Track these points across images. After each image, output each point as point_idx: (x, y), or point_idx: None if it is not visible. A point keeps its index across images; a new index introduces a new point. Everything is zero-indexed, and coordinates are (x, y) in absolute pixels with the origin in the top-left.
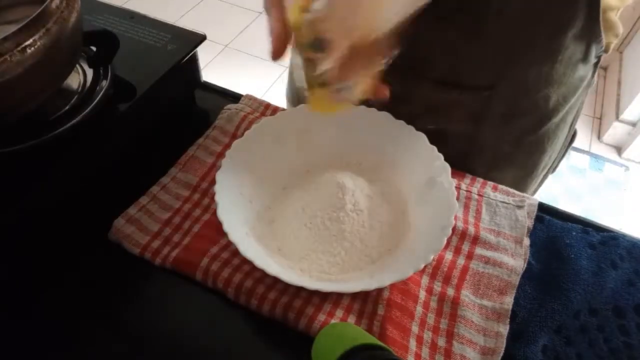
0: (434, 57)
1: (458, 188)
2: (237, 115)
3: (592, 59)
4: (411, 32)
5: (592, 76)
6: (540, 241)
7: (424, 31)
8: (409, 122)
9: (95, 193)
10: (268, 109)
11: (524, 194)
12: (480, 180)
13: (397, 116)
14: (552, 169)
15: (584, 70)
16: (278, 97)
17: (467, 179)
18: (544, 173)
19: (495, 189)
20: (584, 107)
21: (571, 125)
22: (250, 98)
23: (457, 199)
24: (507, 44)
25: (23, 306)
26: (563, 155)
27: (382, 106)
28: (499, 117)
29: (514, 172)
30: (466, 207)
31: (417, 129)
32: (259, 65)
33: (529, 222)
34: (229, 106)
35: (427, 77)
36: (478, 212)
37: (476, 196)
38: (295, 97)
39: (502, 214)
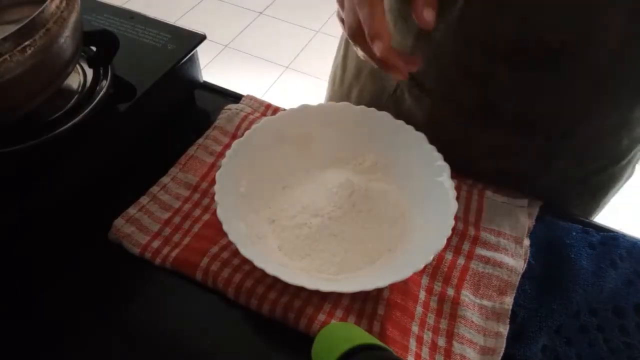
0: (508, 102)
1: (459, 188)
2: (237, 116)
3: None
4: (484, 74)
5: None
6: (540, 241)
7: (499, 74)
8: (465, 163)
9: (95, 193)
10: (269, 109)
11: (525, 196)
12: (483, 181)
13: (453, 158)
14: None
15: None
16: (278, 97)
17: (469, 180)
18: (601, 212)
19: (496, 191)
20: None
21: (634, 165)
22: (250, 98)
23: (458, 199)
24: (590, 91)
25: (23, 306)
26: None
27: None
28: (568, 161)
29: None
30: (466, 207)
31: (476, 169)
32: (259, 65)
33: (529, 223)
34: (229, 106)
35: (496, 121)
36: (478, 212)
37: (477, 197)
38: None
39: (502, 214)
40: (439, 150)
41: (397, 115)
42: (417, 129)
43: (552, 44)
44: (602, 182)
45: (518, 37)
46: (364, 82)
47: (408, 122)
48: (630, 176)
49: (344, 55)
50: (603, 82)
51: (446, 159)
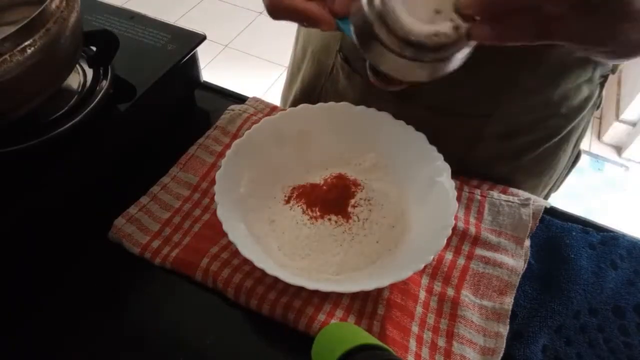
0: (430, 86)
1: (460, 189)
2: (240, 117)
3: (597, 79)
4: None
5: (599, 95)
6: (540, 241)
7: None
8: None
9: (95, 193)
10: (274, 111)
11: (531, 195)
12: (489, 183)
13: None
14: (555, 188)
15: (588, 91)
16: (278, 97)
17: (474, 181)
18: (544, 193)
19: (504, 192)
20: None
21: (575, 146)
22: (256, 100)
23: (459, 199)
24: (506, 76)
25: (23, 306)
26: (566, 175)
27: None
28: (495, 138)
29: None
30: (467, 207)
31: None
32: (259, 65)
33: (532, 223)
34: (232, 107)
35: (422, 103)
36: (480, 213)
37: (479, 197)
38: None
39: (505, 213)
40: None
41: (334, 95)
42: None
43: None
44: (537, 161)
45: None
46: (306, 64)
47: (342, 100)
48: (576, 160)
49: (295, 40)
50: (518, 75)
51: None
